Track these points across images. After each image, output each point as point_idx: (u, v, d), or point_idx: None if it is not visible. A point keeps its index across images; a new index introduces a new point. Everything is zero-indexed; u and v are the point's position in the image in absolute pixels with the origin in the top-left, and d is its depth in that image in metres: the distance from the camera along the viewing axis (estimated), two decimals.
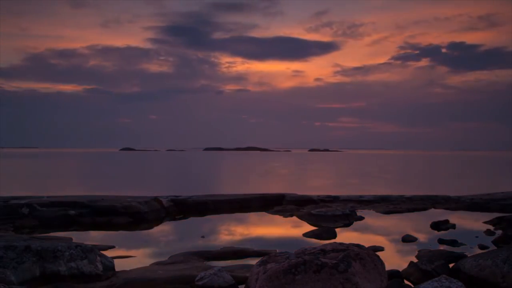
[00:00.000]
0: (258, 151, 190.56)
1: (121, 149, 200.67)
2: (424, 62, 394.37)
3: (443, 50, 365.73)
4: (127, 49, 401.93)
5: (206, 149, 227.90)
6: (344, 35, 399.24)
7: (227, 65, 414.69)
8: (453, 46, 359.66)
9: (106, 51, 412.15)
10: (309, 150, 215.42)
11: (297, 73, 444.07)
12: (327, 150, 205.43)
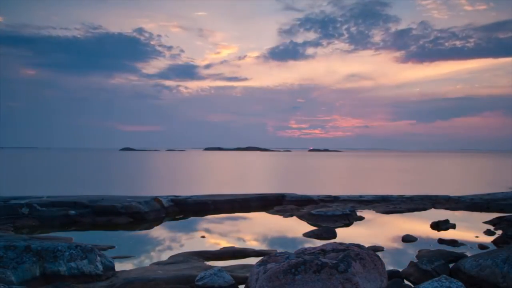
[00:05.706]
0: (259, 151, 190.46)
1: (121, 149, 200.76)
2: None
3: None
4: None
5: (206, 149, 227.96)
6: None
7: None
8: None
9: None
10: (309, 150, 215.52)
11: None
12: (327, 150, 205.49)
